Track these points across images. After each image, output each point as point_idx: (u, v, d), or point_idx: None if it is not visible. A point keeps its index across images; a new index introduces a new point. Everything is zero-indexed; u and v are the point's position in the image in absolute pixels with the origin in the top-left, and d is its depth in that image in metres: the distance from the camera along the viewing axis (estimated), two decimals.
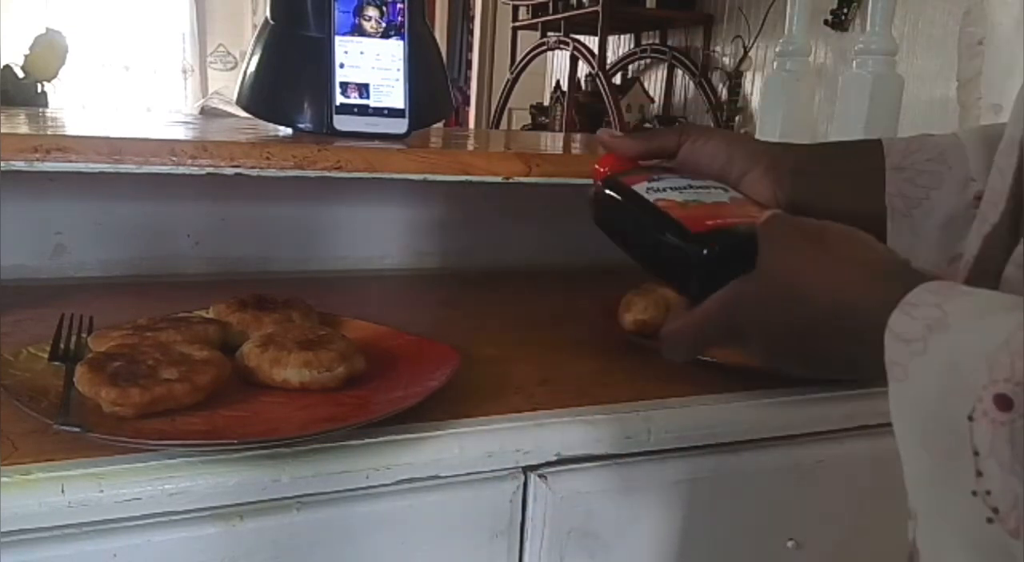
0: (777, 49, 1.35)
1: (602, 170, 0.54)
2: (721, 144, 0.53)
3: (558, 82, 3.44)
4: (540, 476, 0.56)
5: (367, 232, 0.99)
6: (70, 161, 0.63)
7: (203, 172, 0.67)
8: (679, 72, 3.14)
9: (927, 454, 0.32)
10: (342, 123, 0.78)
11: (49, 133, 0.67)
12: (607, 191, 0.52)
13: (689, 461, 0.60)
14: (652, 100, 3.22)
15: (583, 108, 3.16)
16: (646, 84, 3.29)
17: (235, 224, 0.93)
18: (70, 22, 4.85)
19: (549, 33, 3.28)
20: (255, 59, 0.83)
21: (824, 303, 0.38)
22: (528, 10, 3.46)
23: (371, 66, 0.79)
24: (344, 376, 0.56)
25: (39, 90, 1.67)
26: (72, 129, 0.77)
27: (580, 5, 2.99)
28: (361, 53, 0.79)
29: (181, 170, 0.66)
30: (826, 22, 2.32)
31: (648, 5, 2.96)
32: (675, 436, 0.59)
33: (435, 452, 0.52)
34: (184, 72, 5.76)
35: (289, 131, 0.83)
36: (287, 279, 0.92)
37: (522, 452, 0.54)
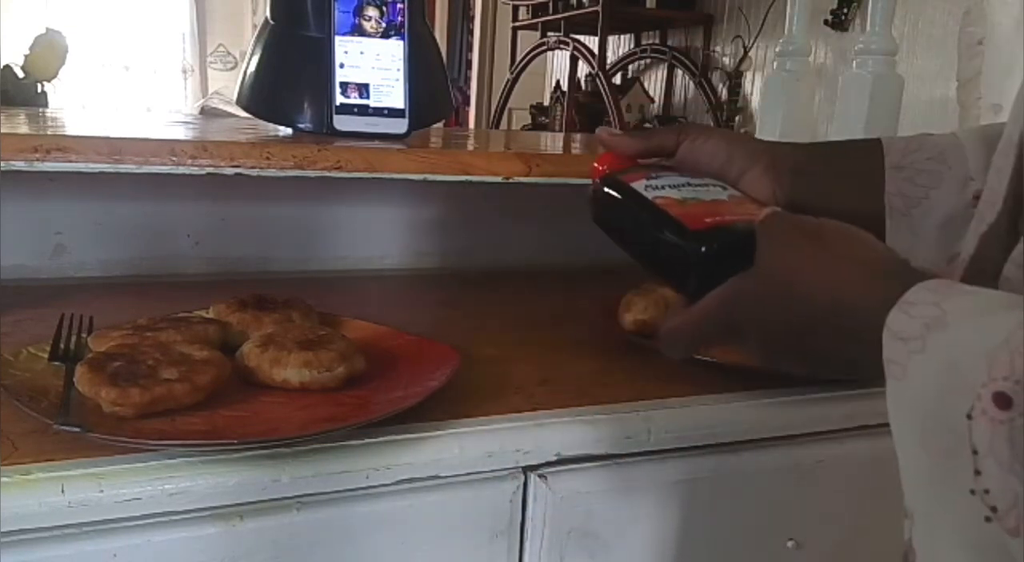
0: (777, 49, 1.35)
1: (601, 168, 0.54)
2: (720, 143, 0.53)
3: (558, 82, 3.44)
4: (540, 476, 0.56)
5: (367, 232, 0.99)
6: (70, 161, 0.63)
7: (203, 172, 0.67)
8: (679, 72, 3.14)
9: (925, 453, 0.32)
10: (342, 123, 0.78)
11: (49, 133, 0.67)
12: (606, 189, 0.52)
13: (689, 461, 0.60)
14: (652, 100, 3.22)
15: (583, 108, 3.16)
16: (646, 84, 3.29)
17: (235, 224, 0.93)
18: (70, 22, 4.85)
19: (549, 33, 3.28)
20: (255, 59, 0.83)
21: (822, 301, 0.38)
22: (528, 10, 3.46)
23: (371, 66, 0.79)
24: (344, 376, 0.56)
25: (39, 90, 1.67)
26: (72, 129, 0.77)
27: (580, 5, 2.99)
28: (361, 53, 0.79)
29: (181, 170, 0.66)
30: (826, 22, 2.32)
31: (648, 5, 2.96)
32: (675, 436, 0.59)
33: (435, 452, 0.52)
34: (184, 72, 5.76)
35: (289, 131, 0.83)
36: (287, 279, 0.92)
37: (522, 452, 0.54)
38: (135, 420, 0.49)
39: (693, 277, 0.46)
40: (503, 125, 3.73)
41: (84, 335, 0.60)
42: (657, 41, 3.21)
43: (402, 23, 0.80)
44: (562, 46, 3.15)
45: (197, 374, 0.52)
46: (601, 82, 2.88)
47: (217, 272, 0.92)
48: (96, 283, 0.86)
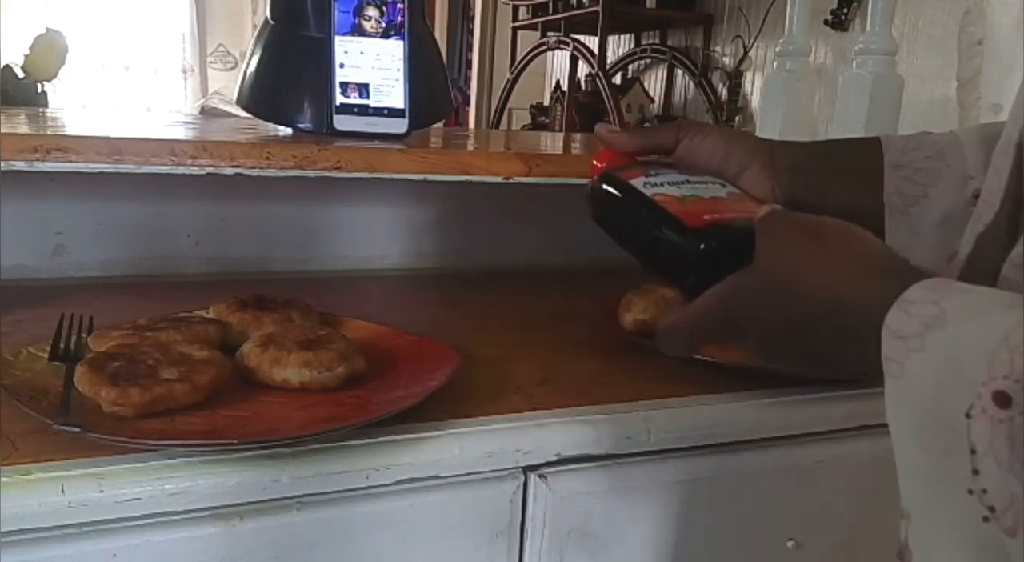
0: (777, 49, 1.35)
1: (599, 165, 0.54)
2: (719, 140, 0.53)
3: (558, 82, 3.44)
4: (540, 476, 0.56)
5: (367, 232, 0.99)
6: (70, 161, 0.63)
7: (203, 172, 0.67)
8: (679, 72, 3.14)
9: (923, 452, 0.32)
10: (342, 123, 0.78)
11: (49, 133, 0.67)
12: (604, 186, 0.52)
13: (689, 461, 0.60)
14: (652, 100, 3.22)
15: (583, 108, 3.16)
16: (646, 84, 3.29)
17: (235, 224, 0.93)
18: (70, 22, 4.85)
19: (549, 33, 3.28)
20: (255, 59, 0.83)
21: (821, 299, 0.38)
22: (528, 10, 3.46)
23: (371, 66, 0.79)
24: (344, 376, 0.56)
25: (39, 90, 1.67)
26: (72, 129, 0.77)
27: (580, 5, 2.99)
28: (361, 53, 0.79)
29: (181, 170, 0.66)
30: (826, 22, 2.32)
31: (648, 5, 2.96)
32: (675, 436, 0.59)
33: (435, 452, 0.52)
34: (184, 72, 5.76)
35: (289, 131, 0.83)
36: (287, 279, 0.92)
37: (522, 452, 0.54)
38: (135, 420, 0.49)
39: (692, 274, 0.46)
40: (503, 125, 3.73)
41: (84, 335, 0.60)
42: (657, 41, 3.21)
43: (402, 23, 0.80)
44: (562, 46, 3.15)
45: (197, 374, 0.52)
46: (601, 82, 2.88)
47: (217, 272, 0.92)
48: (96, 283, 0.86)
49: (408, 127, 0.80)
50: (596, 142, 0.56)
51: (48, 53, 1.65)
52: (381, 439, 0.51)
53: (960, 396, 0.29)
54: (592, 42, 2.91)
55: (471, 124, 4.45)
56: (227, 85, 5.30)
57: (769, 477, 0.63)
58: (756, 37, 2.69)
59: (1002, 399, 0.28)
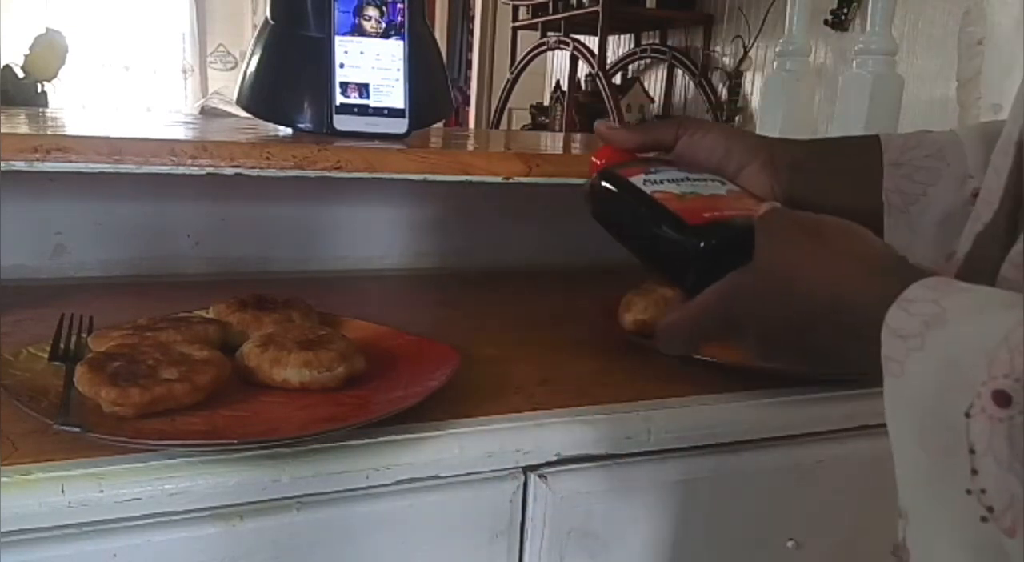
0: (777, 49, 1.35)
1: (599, 162, 0.54)
2: (719, 137, 0.53)
3: (558, 82, 3.44)
4: (540, 476, 0.56)
5: (367, 232, 0.99)
6: (70, 161, 0.63)
7: (203, 172, 0.67)
8: (679, 72, 3.14)
9: (922, 451, 0.32)
10: (342, 123, 0.78)
11: (49, 133, 0.67)
12: (604, 183, 0.52)
13: (689, 461, 0.60)
14: (652, 100, 3.22)
15: (583, 108, 3.16)
16: (646, 84, 3.29)
17: (235, 224, 0.93)
18: (70, 22, 4.85)
19: (549, 33, 3.28)
20: (255, 59, 0.83)
21: (821, 297, 0.38)
22: (528, 10, 3.46)
23: (371, 66, 0.79)
24: (344, 376, 0.56)
25: (39, 90, 1.67)
26: (72, 129, 0.77)
27: (580, 5, 2.99)
28: (361, 53, 0.79)
29: (181, 170, 0.66)
30: (826, 22, 2.32)
31: (648, 5, 2.96)
32: (675, 436, 0.59)
33: (435, 452, 0.52)
34: (184, 72, 5.76)
35: (289, 131, 0.83)
36: (287, 279, 0.92)
37: (522, 452, 0.54)
38: (135, 420, 0.49)
39: (692, 272, 0.46)
40: (503, 125, 3.73)
41: (84, 335, 0.60)
42: (657, 41, 3.21)
43: (402, 23, 0.80)
44: (562, 46, 3.15)
45: (197, 374, 0.52)
46: (601, 82, 2.88)
47: (217, 272, 0.92)
48: (96, 283, 0.86)
49: (408, 127, 0.80)
50: (596, 142, 0.56)
51: (48, 53, 1.65)
52: (381, 439, 0.51)
53: (960, 395, 0.29)
54: (592, 42, 2.91)
55: (471, 124, 4.45)
56: (227, 85, 5.30)
57: (769, 477, 0.63)
58: (756, 37, 2.69)
59: (1002, 398, 0.28)
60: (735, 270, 0.43)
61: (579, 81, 3.30)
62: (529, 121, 3.66)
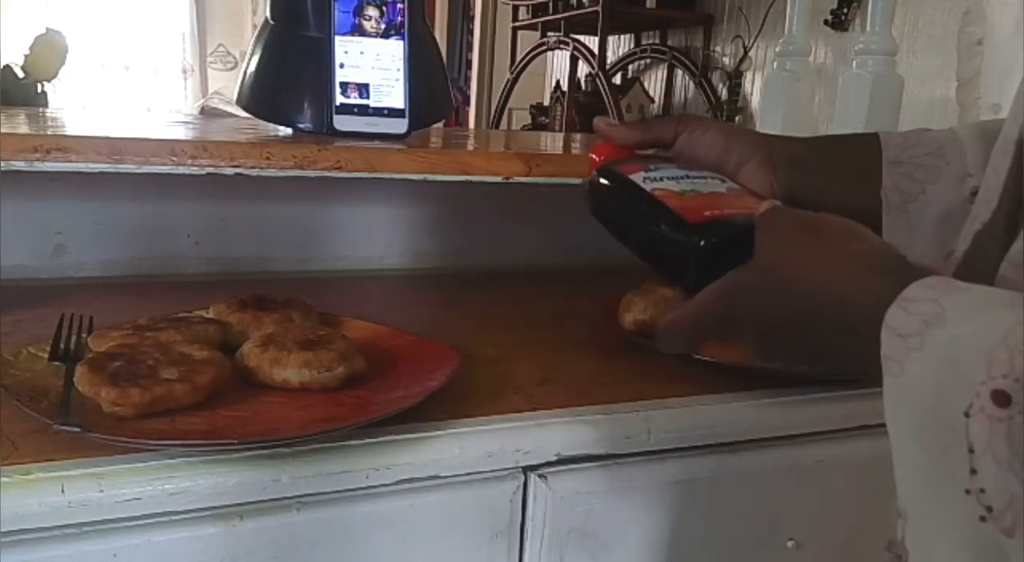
0: (777, 49, 1.35)
1: (598, 159, 0.54)
2: (718, 135, 0.53)
3: (558, 82, 3.44)
4: (540, 476, 0.56)
5: (367, 232, 0.99)
6: (70, 161, 0.63)
7: (203, 172, 0.67)
8: (679, 72, 3.14)
9: (921, 451, 0.32)
10: (342, 123, 0.78)
11: (49, 133, 0.67)
12: (603, 180, 0.52)
13: (689, 461, 0.60)
14: (652, 100, 3.22)
15: (583, 108, 3.16)
16: (646, 84, 3.29)
17: (235, 224, 0.93)
18: (70, 22, 4.85)
19: (549, 33, 3.28)
20: (255, 59, 0.83)
21: (821, 296, 0.38)
22: (528, 10, 3.46)
23: (371, 66, 0.79)
24: (344, 376, 0.56)
25: (39, 90, 1.67)
26: (72, 129, 0.77)
27: (580, 5, 2.99)
28: (361, 53, 0.79)
29: (181, 170, 0.66)
30: (826, 22, 2.32)
31: (648, 5, 2.96)
32: (675, 436, 0.59)
33: (435, 452, 0.52)
34: (184, 72, 5.76)
35: (289, 131, 0.83)
36: (287, 279, 0.92)
37: (522, 452, 0.54)
38: (135, 420, 0.49)
39: (692, 271, 0.46)
40: (503, 125, 3.73)
41: (84, 335, 0.60)
42: (657, 41, 3.21)
43: (402, 23, 0.80)
44: (562, 46, 3.15)
45: (197, 374, 0.52)
46: (601, 82, 2.87)
47: (217, 272, 0.92)
48: (96, 283, 0.86)
49: (408, 127, 0.80)
50: (596, 142, 0.56)
51: (48, 53, 1.65)
52: (381, 439, 0.51)
53: (959, 395, 0.29)
54: (592, 42, 2.91)
55: (471, 124, 4.45)
56: (227, 85, 5.30)
57: (769, 477, 0.63)
58: (756, 37, 2.69)
59: (1001, 398, 0.28)
60: (735, 268, 0.43)
61: (579, 81, 3.30)
62: (529, 121, 3.66)
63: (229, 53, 5.79)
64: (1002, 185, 0.40)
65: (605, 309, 0.76)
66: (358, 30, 0.79)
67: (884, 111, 1.13)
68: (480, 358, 0.66)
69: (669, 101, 3.21)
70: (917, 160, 0.51)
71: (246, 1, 5.59)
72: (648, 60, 3.33)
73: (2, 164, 0.61)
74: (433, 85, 0.85)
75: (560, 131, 3.14)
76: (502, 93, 3.66)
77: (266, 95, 0.82)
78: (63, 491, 0.44)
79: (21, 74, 1.64)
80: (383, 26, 0.80)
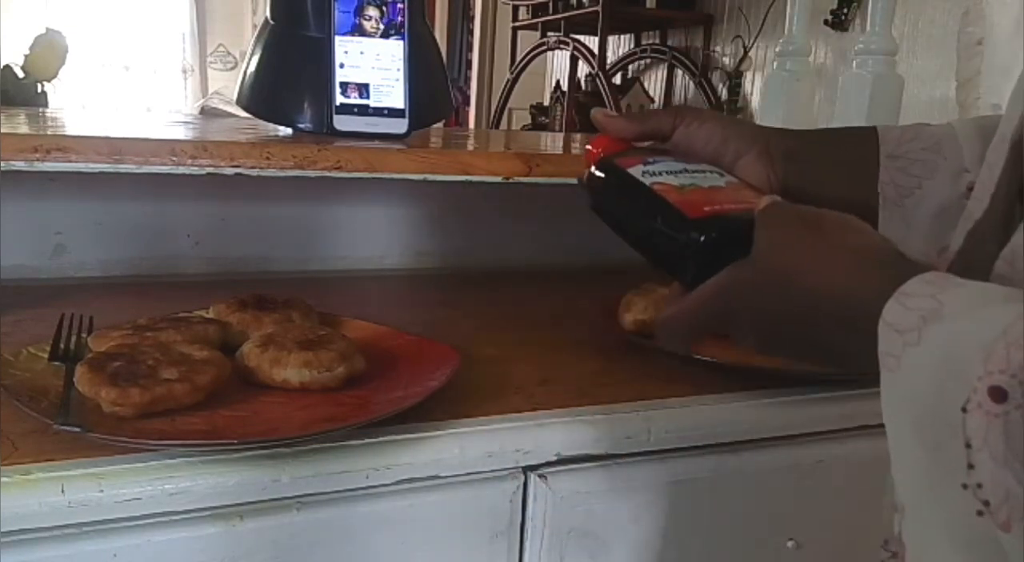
0: (777, 49, 1.35)
1: (595, 151, 0.53)
2: (716, 127, 0.53)
3: (558, 82, 3.44)
4: (540, 476, 0.56)
5: (367, 232, 0.99)
6: (70, 161, 0.63)
7: (203, 172, 0.67)
8: (679, 72, 3.14)
9: (918, 446, 0.32)
10: (342, 123, 0.78)
11: (49, 133, 0.67)
12: (602, 173, 0.51)
13: (689, 461, 0.60)
14: (652, 100, 3.22)
15: (583, 108, 3.16)
16: (646, 84, 3.29)
17: (235, 224, 0.93)
18: (70, 22, 4.85)
19: (549, 33, 3.28)
20: (255, 59, 0.83)
21: (819, 291, 0.38)
22: (528, 10, 3.46)
23: (371, 66, 0.79)
24: (344, 376, 0.56)
25: (39, 90, 1.67)
26: (72, 129, 0.77)
27: (580, 5, 2.99)
28: (361, 53, 0.79)
29: (181, 170, 0.66)
30: (826, 22, 2.32)
31: (648, 5, 2.96)
32: (675, 436, 0.59)
33: (435, 452, 0.52)
34: (184, 72, 5.76)
35: (289, 131, 0.83)
36: (287, 279, 0.92)
37: (522, 452, 0.54)
38: (135, 420, 0.49)
39: (691, 266, 0.45)
40: (503, 125, 3.73)
41: (84, 335, 0.60)
42: (657, 41, 3.21)
43: (402, 23, 0.80)
44: (562, 46, 3.15)
45: (197, 374, 0.52)
46: (601, 82, 2.87)
47: (217, 272, 0.92)
48: (96, 283, 0.86)
49: (408, 127, 0.80)
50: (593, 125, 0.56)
51: (48, 53, 1.65)
52: (381, 439, 0.51)
53: (956, 390, 0.29)
54: (592, 42, 2.91)
55: (471, 124, 4.45)
56: (227, 85, 5.30)
57: (769, 477, 0.63)
58: (756, 37, 2.69)
59: (998, 394, 0.28)
60: (734, 263, 0.43)
61: (579, 81, 3.30)
62: (529, 121, 3.66)
63: (229, 53, 5.79)
64: (996, 182, 0.40)
65: (605, 309, 0.76)
66: (358, 30, 0.79)
67: (884, 111, 1.13)
68: (480, 358, 0.66)
69: (669, 101, 3.21)
70: (914, 155, 0.51)
71: (246, 1, 5.59)
72: (648, 60, 3.33)
73: (2, 164, 0.61)
74: (433, 85, 0.85)
75: (560, 131, 3.14)
76: (502, 93, 3.66)
77: (266, 95, 0.82)
78: (63, 491, 0.44)
79: (21, 74, 1.64)
80: (383, 26, 0.80)
